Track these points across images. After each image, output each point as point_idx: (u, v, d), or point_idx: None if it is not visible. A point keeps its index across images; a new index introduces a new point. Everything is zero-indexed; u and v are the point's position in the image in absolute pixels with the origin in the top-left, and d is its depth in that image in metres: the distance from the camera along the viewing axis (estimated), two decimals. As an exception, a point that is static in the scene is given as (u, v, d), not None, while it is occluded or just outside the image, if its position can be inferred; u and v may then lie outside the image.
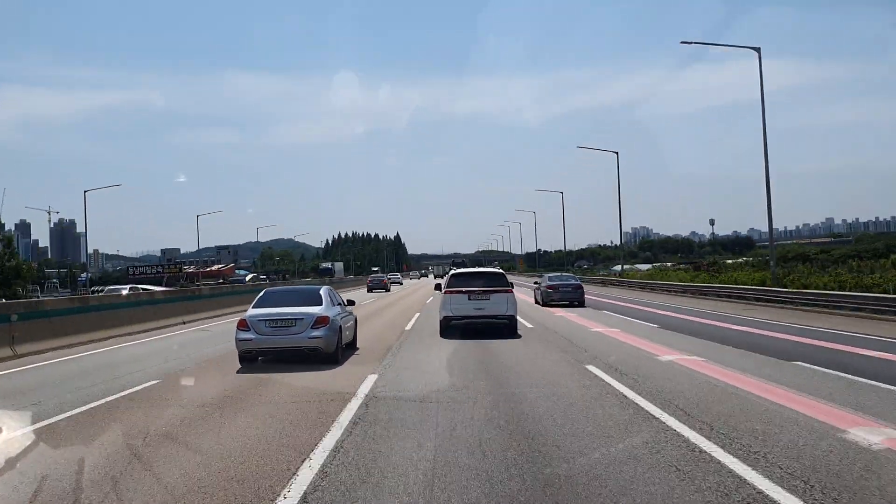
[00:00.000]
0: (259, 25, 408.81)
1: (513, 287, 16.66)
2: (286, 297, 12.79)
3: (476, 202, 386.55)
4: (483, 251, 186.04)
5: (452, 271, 18.38)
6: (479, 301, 15.96)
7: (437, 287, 18.90)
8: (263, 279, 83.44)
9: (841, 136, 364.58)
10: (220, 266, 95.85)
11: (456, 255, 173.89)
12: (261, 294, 13.14)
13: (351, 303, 14.57)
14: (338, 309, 12.79)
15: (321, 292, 12.85)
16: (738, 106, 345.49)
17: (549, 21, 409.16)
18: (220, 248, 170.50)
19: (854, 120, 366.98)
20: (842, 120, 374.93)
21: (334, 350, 11.86)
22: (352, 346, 13.80)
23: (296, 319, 11.72)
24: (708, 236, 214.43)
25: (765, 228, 29.47)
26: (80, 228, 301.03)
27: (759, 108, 26.86)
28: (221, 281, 71.51)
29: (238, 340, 11.75)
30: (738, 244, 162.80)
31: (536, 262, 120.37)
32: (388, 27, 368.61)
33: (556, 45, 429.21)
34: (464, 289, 16.15)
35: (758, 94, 26.84)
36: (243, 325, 11.76)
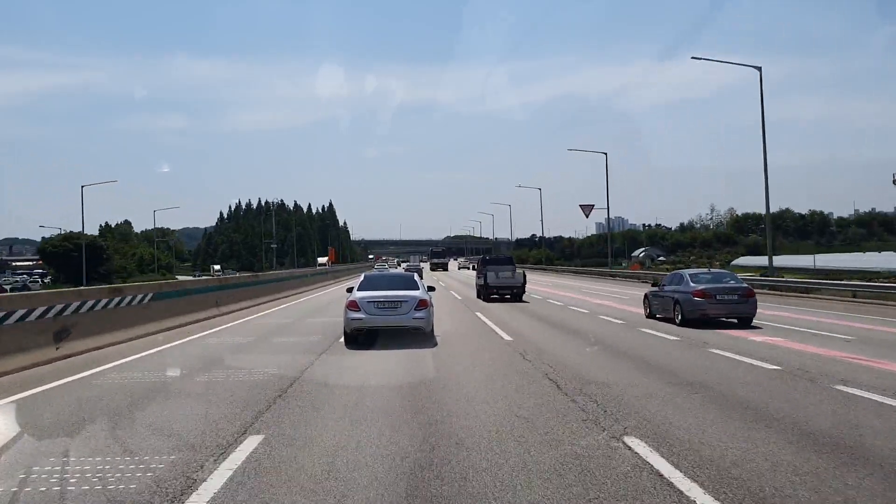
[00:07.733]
0: (224, 7, 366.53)
1: None
2: (385, 282, 13.94)
3: (444, 190, 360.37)
4: (456, 236, 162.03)
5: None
6: None
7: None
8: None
9: (815, 130, 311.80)
10: None
11: (421, 242, 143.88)
12: (361, 279, 13.87)
13: (431, 288, 14.60)
14: (429, 294, 13.50)
15: (415, 278, 14.06)
16: (721, 96, 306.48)
17: (531, 10, 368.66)
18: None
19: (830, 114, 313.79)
20: (819, 114, 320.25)
21: (431, 329, 12.95)
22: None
23: (401, 301, 12.51)
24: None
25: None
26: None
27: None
28: None
29: (350, 320, 12.35)
30: (881, 224, 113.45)
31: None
32: (367, 13, 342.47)
33: (536, 34, 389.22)
34: None
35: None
36: (354, 306, 12.34)
